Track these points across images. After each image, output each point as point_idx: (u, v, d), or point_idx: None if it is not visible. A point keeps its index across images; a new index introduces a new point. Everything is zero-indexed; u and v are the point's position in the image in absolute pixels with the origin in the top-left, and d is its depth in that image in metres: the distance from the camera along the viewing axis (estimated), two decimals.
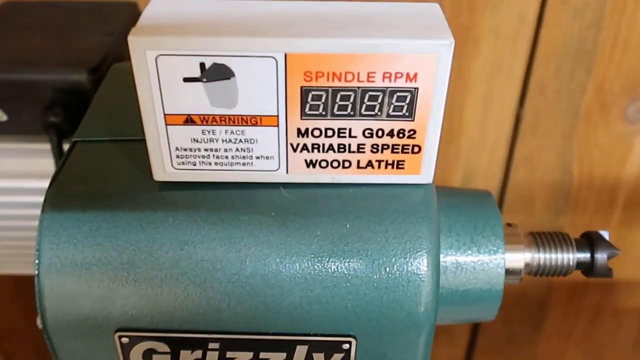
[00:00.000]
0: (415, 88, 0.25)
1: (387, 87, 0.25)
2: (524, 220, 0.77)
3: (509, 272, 0.33)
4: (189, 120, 0.25)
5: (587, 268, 0.34)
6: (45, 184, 0.39)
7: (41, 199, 0.32)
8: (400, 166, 0.27)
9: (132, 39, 0.23)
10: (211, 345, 0.27)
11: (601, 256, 0.34)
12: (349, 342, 0.27)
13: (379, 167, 0.27)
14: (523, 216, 0.77)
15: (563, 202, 0.75)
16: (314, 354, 0.28)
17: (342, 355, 0.28)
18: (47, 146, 0.44)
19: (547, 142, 0.70)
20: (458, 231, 0.31)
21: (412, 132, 0.26)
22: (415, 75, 0.24)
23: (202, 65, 0.24)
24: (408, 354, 0.28)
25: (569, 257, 0.34)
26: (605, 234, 0.35)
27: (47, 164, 0.45)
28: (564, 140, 0.70)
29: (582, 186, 0.74)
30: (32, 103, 0.45)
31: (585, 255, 0.34)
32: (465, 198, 0.33)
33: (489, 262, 0.31)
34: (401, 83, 0.24)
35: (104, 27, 0.48)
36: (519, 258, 0.33)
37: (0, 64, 0.45)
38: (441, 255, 0.31)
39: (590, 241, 0.34)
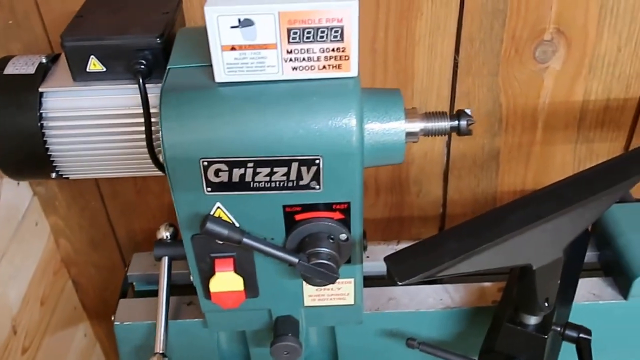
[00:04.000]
0: (342, 25, 0.51)
1: (328, 26, 0.51)
2: (467, 142, 0.95)
3: (410, 134, 0.59)
4: (232, 48, 0.52)
5: (456, 130, 0.60)
6: (130, 111, 0.64)
7: (128, 120, 0.59)
8: (340, 67, 0.53)
9: (206, 8, 0.50)
10: (249, 165, 0.54)
11: (463, 123, 0.59)
12: (319, 159, 0.54)
13: (330, 68, 0.53)
14: (467, 139, 0.94)
15: (497, 127, 0.93)
16: (301, 167, 0.54)
17: (316, 167, 0.54)
18: (132, 86, 0.65)
19: (479, 80, 0.87)
20: (377, 108, 0.57)
21: (343, 49, 0.52)
22: (342, 19, 0.50)
23: (239, 19, 0.50)
24: (348, 169, 0.54)
25: (446, 124, 0.60)
26: (468, 111, 0.60)
27: (132, 98, 0.66)
28: (491, 78, 0.87)
29: (509, 113, 0.91)
30: (121, 59, 0.65)
31: (454, 123, 0.60)
32: (382, 91, 0.59)
33: (396, 126, 0.58)
34: (335, 23, 0.51)
35: (161, 9, 0.69)
36: (416, 125, 0.59)
37: (100, 35, 0.65)
38: (368, 121, 0.57)
39: (458, 115, 0.60)
